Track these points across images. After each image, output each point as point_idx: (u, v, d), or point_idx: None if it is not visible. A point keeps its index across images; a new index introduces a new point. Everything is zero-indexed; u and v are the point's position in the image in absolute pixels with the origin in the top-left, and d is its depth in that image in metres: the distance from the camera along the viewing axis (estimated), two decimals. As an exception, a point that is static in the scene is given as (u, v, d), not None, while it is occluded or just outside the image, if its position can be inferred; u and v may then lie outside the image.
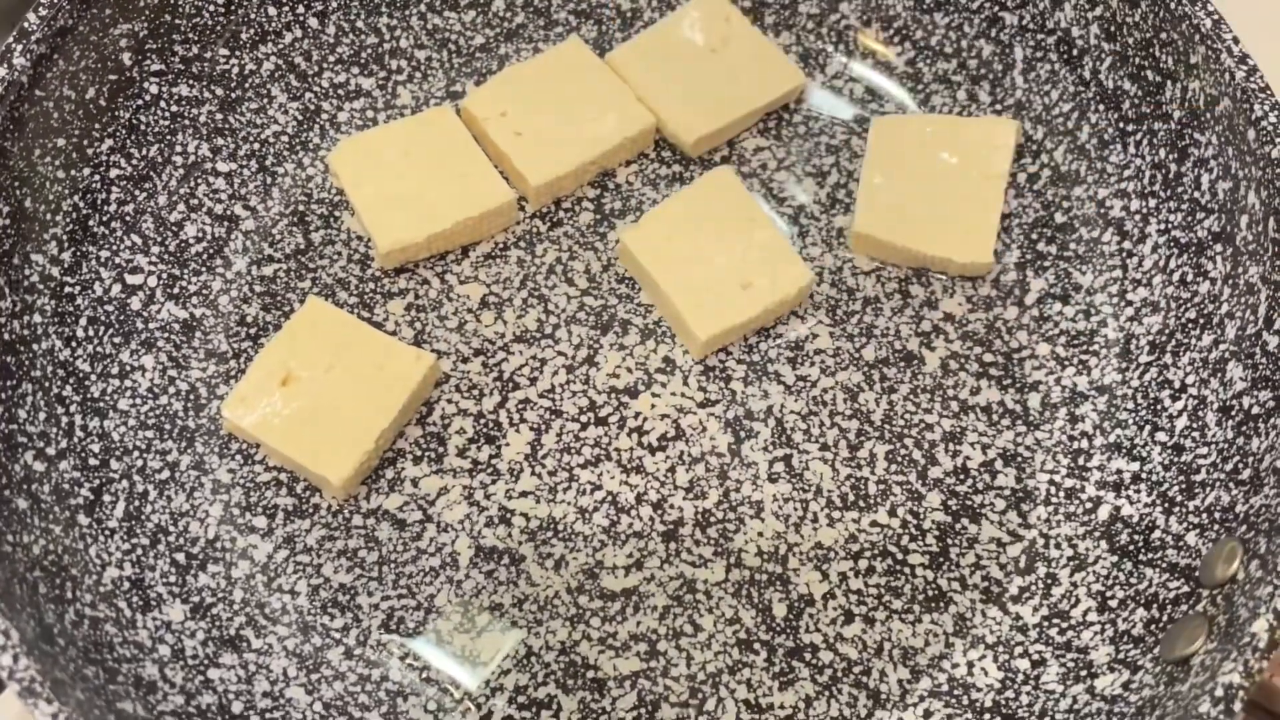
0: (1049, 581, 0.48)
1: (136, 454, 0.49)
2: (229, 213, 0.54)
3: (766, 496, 0.50)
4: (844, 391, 0.52)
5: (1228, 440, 0.46)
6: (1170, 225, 0.51)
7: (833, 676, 0.47)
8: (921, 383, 0.52)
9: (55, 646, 0.41)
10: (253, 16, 0.55)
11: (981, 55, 0.57)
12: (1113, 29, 0.53)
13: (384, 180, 0.53)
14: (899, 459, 0.51)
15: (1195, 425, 0.48)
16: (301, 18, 0.56)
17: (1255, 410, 0.45)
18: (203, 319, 0.52)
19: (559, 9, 0.59)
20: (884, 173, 0.55)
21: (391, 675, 0.47)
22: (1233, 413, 0.46)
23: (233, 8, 0.55)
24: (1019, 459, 0.51)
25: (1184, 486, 0.47)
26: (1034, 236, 0.55)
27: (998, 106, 0.57)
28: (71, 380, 0.48)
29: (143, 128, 0.52)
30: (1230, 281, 0.48)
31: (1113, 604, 0.47)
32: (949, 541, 0.49)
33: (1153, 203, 0.52)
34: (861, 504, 0.50)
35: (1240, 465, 0.45)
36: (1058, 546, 0.49)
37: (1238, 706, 0.38)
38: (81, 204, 0.50)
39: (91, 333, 0.50)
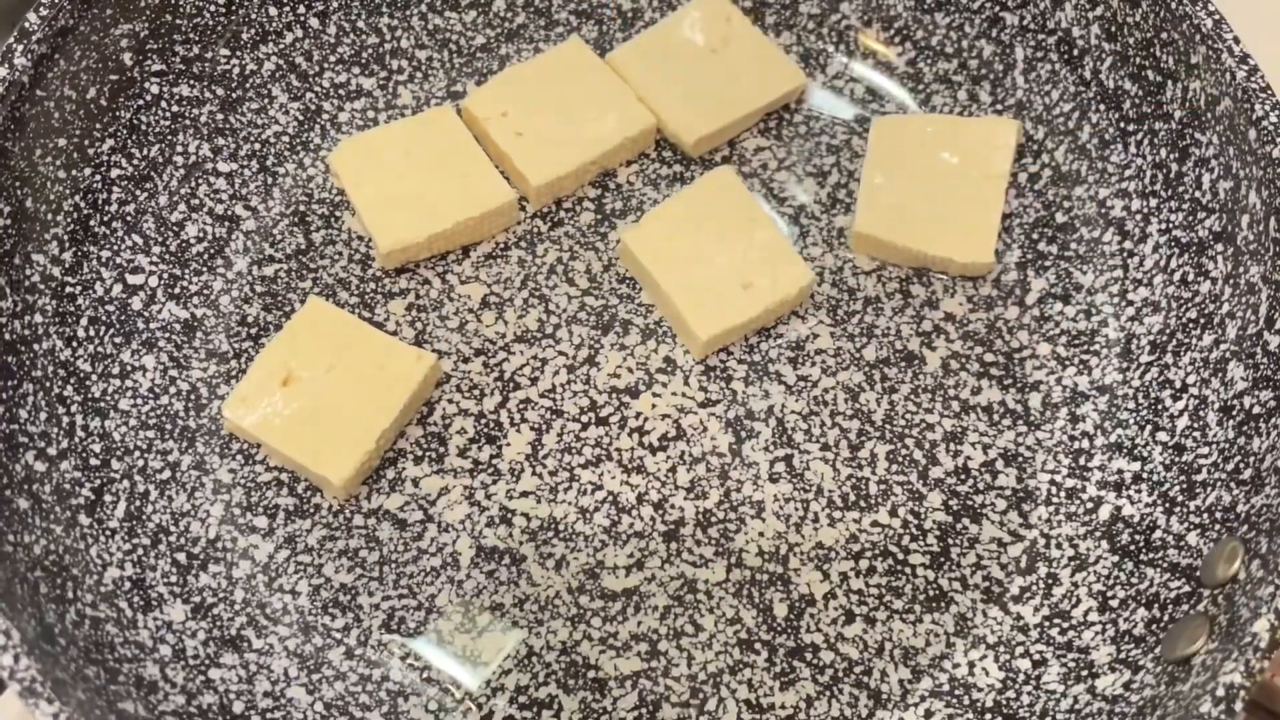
0: (1050, 581, 0.48)
1: (137, 454, 0.49)
2: (230, 213, 0.54)
3: (767, 496, 0.50)
4: (845, 391, 0.52)
5: (1229, 440, 0.46)
6: (1171, 225, 0.51)
7: (834, 676, 0.47)
8: (922, 383, 0.52)
9: (56, 646, 0.41)
10: (253, 16, 0.55)
11: (982, 55, 0.57)
12: (1113, 29, 0.53)
13: (385, 180, 0.53)
14: (900, 459, 0.51)
15: (1196, 425, 0.48)
16: (302, 18, 0.56)
17: (1256, 410, 0.45)
18: (204, 319, 0.52)
19: (560, 9, 0.59)
20: (885, 173, 0.55)
21: (392, 675, 0.47)
22: (1234, 412, 0.46)
23: (234, 8, 0.55)
24: (1020, 459, 0.51)
25: (1185, 486, 0.47)
26: (1035, 236, 0.55)
27: (998, 106, 0.57)
28: (72, 380, 0.48)
29: (144, 128, 0.52)
30: (1231, 281, 0.48)
31: (1114, 604, 0.47)
32: (950, 541, 0.49)
33: (1154, 202, 0.52)
34: (862, 504, 0.50)
35: (1241, 465, 0.45)
36: (1059, 546, 0.49)
37: (1239, 706, 0.38)
38: (82, 204, 0.50)
39: (92, 333, 0.50)
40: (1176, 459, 0.48)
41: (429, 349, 0.52)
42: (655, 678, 0.47)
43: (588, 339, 0.52)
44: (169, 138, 0.53)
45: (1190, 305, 0.50)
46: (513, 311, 0.53)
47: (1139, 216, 0.53)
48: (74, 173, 0.50)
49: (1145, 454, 0.49)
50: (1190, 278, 0.50)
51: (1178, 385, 0.49)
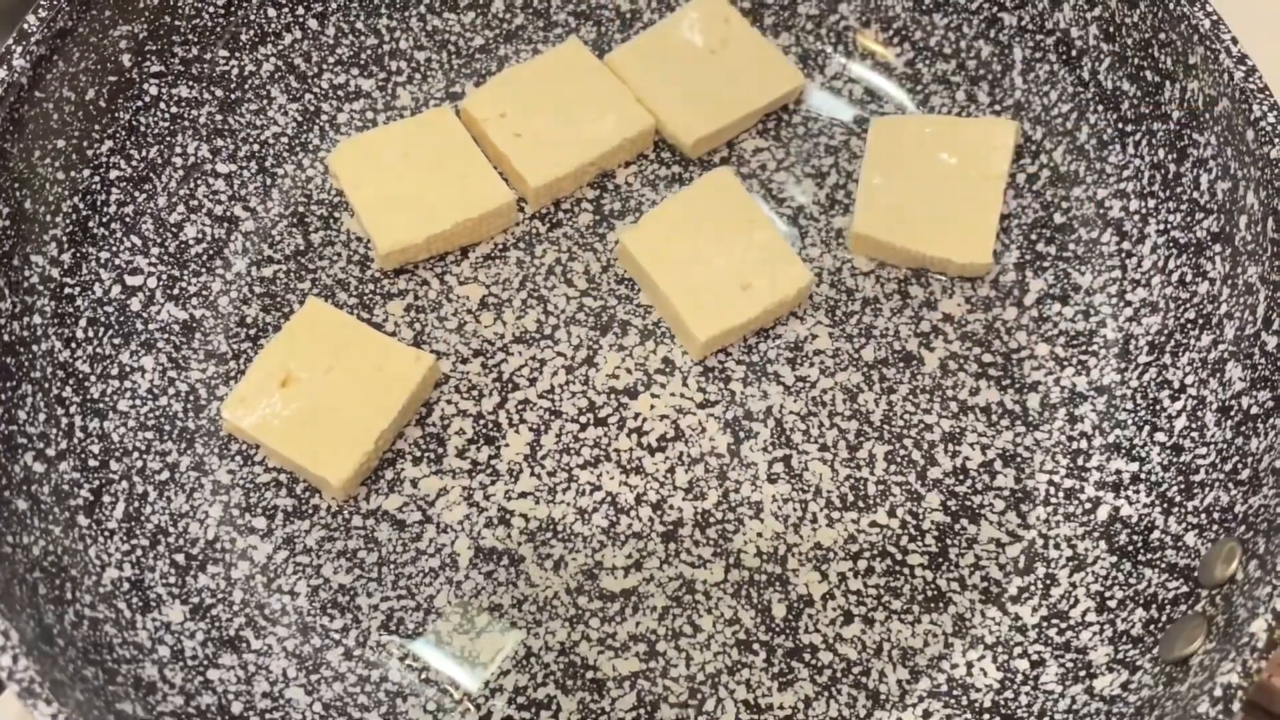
0: (1048, 582, 0.48)
1: (136, 455, 0.49)
2: (229, 214, 0.54)
3: (766, 497, 0.50)
4: (843, 392, 0.52)
5: (1227, 440, 0.46)
6: (1169, 225, 0.51)
7: (832, 677, 0.47)
8: (921, 383, 0.52)
9: (55, 647, 0.41)
10: (252, 18, 0.55)
11: (980, 56, 0.57)
12: (1111, 29, 0.53)
13: (383, 181, 0.53)
14: (898, 459, 0.51)
15: (1194, 425, 0.48)
16: (301, 19, 0.56)
17: (1254, 410, 0.45)
18: (202, 320, 0.52)
19: (558, 10, 0.59)
20: (883, 173, 0.55)
21: (391, 676, 0.47)
22: (1232, 413, 0.46)
23: (232, 9, 0.55)
24: (1018, 459, 0.51)
25: (1183, 487, 0.47)
26: (1033, 237, 0.55)
27: (997, 107, 0.57)
28: (71, 381, 0.49)
29: (142, 129, 0.52)
30: (1229, 282, 0.48)
31: (1112, 604, 0.47)
32: (948, 542, 0.49)
33: (1152, 203, 0.52)
34: (861, 504, 0.50)
35: (1239, 465, 0.45)
36: (1057, 547, 0.49)
37: (1236, 706, 0.38)
38: (81, 205, 0.50)
39: (91, 334, 0.50)
40: (1174, 459, 0.48)
41: (428, 350, 0.52)
42: (654, 678, 0.47)
43: (586, 340, 0.53)
44: (168, 139, 0.53)
45: (1188, 306, 0.50)
46: (511, 312, 0.53)
47: (1137, 217, 0.53)
48: (73, 174, 0.50)
49: (1143, 454, 0.49)
50: (1188, 278, 0.50)
51: (1176, 386, 0.49)
